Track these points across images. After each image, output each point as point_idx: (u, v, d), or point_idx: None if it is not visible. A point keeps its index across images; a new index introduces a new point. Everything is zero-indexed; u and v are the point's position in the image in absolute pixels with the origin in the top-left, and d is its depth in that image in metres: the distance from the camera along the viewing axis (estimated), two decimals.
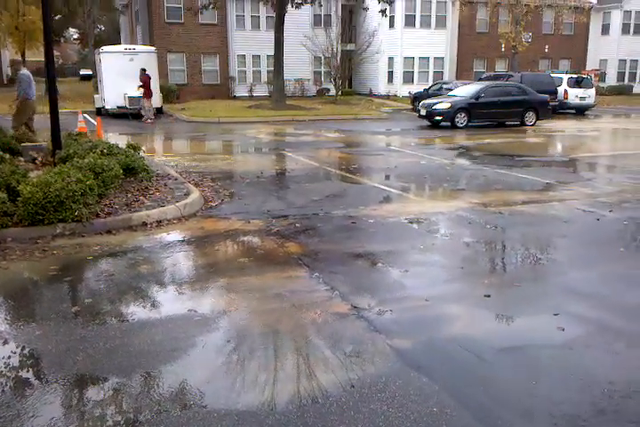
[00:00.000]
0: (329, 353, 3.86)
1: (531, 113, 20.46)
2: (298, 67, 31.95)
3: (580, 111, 26.35)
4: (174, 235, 6.65)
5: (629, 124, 23.57)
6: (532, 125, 20.36)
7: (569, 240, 6.66)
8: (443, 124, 19.64)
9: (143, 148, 9.64)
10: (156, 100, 22.74)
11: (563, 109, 25.72)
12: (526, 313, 4.57)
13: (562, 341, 4.04)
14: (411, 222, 7.21)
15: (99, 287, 5.05)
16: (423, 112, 20.28)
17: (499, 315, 4.52)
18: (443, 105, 19.73)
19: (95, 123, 15.65)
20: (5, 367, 3.67)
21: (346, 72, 31.46)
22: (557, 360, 3.78)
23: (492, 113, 19.95)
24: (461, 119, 19.53)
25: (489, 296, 4.81)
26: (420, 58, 33.80)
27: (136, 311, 4.57)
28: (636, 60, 40.03)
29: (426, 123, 20.42)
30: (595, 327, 4.27)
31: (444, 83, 27.39)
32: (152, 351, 3.85)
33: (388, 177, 10.85)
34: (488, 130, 19.20)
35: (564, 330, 4.18)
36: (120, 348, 3.89)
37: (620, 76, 40.04)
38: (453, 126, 19.38)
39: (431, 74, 34.06)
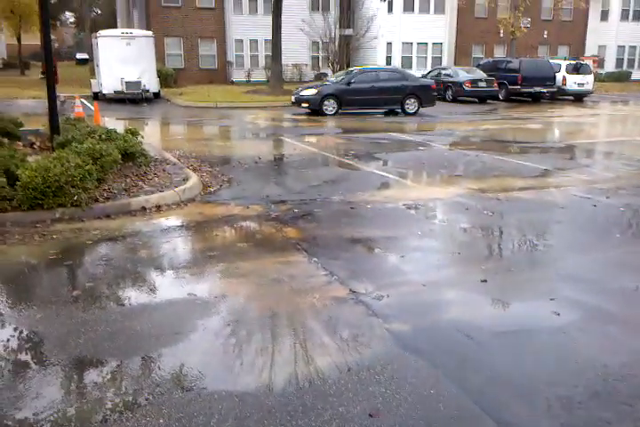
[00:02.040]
0: (327, 337, 3.91)
1: (412, 100, 18.88)
2: (296, 52, 31.72)
3: (579, 97, 26.29)
4: (173, 220, 6.68)
5: (627, 111, 23.55)
6: (414, 113, 18.81)
7: (565, 226, 6.71)
8: (318, 111, 18.20)
9: (141, 133, 9.61)
10: (154, 85, 22.62)
11: (561, 96, 25.68)
12: (522, 298, 4.63)
13: (557, 325, 4.09)
14: (409, 208, 7.23)
15: (98, 271, 5.08)
16: (293, 99, 18.99)
17: (495, 300, 4.57)
18: (309, 91, 18.57)
19: (92, 108, 15.58)
20: (7, 350, 3.72)
21: (344, 57, 31.26)
22: (553, 344, 3.83)
23: (367, 100, 18.48)
24: (330, 106, 18.18)
25: (485, 281, 4.85)
26: (418, 43, 33.61)
27: (136, 295, 4.60)
28: (635, 47, 39.85)
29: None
30: (590, 312, 4.32)
31: (443, 68, 27.25)
32: (152, 334, 3.89)
33: (385, 163, 10.85)
34: (356, 117, 17.91)
35: (559, 315, 4.23)
36: (121, 331, 3.93)
37: (619, 62, 39.88)
38: (322, 114, 18.02)
39: (430, 59, 33.89)
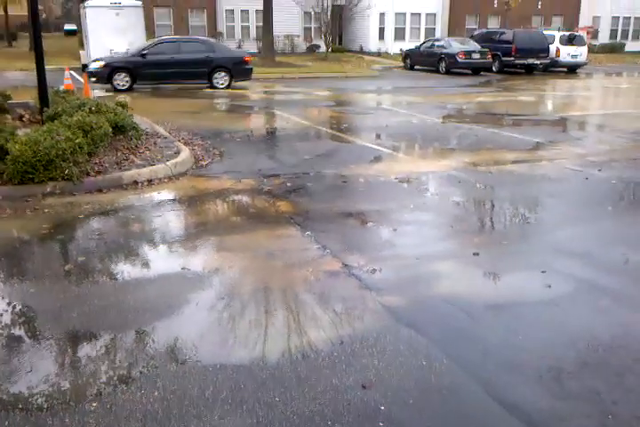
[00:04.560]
0: (320, 310, 3.93)
1: (222, 73, 17.37)
2: (287, 22, 31.26)
3: (572, 69, 26.13)
4: (165, 194, 6.64)
5: (621, 82, 23.45)
6: (225, 88, 17.32)
7: (557, 199, 6.72)
8: (104, 85, 16.65)
9: (131, 106, 9.50)
10: None
11: (554, 67, 25.51)
12: (514, 271, 4.66)
13: (548, 297, 4.12)
14: (401, 182, 7.22)
15: (91, 246, 5.07)
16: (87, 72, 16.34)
17: (487, 273, 4.60)
18: (96, 64, 16.61)
19: (82, 80, 15.34)
20: (1, 325, 3.72)
21: (336, 28, 30.88)
22: (544, 316, 3.87)
23: (166, 73, 16.75)
24: (122, 81, 16.46)
25: (478, 254, 4.88)
26: (411, 14, 33.17)
27: (129, 269, 4.60)
28: (629, 18, 39.52)
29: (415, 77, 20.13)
30: (581, 284, 4.36)
31: (436, 40, 26.96)
32: (146, 309, 3.90)
33: (378, 136, 10.79)
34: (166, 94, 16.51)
35: (550, 287, 4.27)
36: (114, 305, 3.94)
37: (613, 33, 39.60)
38: (115, 89, 16.38)
39: (423, 30, 33.50)
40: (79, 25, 27.90)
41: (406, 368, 3.23)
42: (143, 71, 16.49)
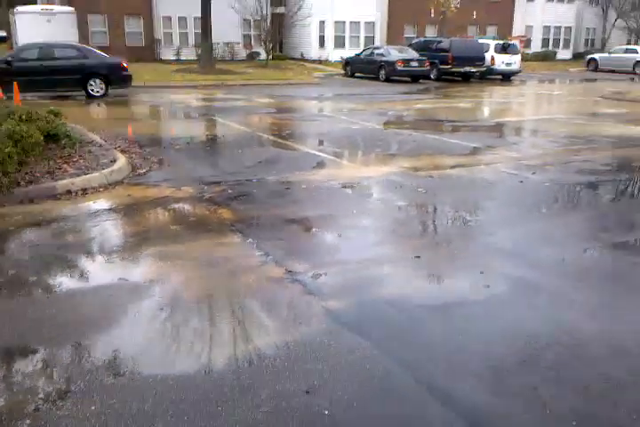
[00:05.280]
0: (264, 317, 3.89)
1: (97, 81, 16.32)
2: (227, 29, 31.00)
3: (507, 77, 26.97)
4: (101, 203, 6.46)
5: (553, 89, 24.35)
6: (102, 96, 16.38)
7: (494, 202, 6.90)
8: None
9: (65, 114, 9.22)
10: None
11: (490, 75, 26.27)
12: (454, 272, 4.74)
13: (486, 297, 4.21)
14: (344, 187, 7.26)
15: (23, 258, 4.87)
16: None
17: (428, 275, 4.67)
18: None
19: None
20: None
21: (277, 36, 30.91)
22: (482, 316, 3.95)
23: (35, 81, 15.28)
24: None
25: (419, 257, 4.94)
26: (351, 22, 33.50)
27: (64, 282, 4.44)
28: (560, 27, 41.17)
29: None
30: (517, 284, 4.47)
31: (376, 48, 27.31)
32: (82, 321, 3.77)
33: (321, 142, 10.84)
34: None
35: (489, 287, 4.36)
36: (48, 319, 3.79)
37: (545, 42, 41.14)
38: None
39: (362, 39, 33.87)
40: (9, 31, 27.01)
41: (349, 372, 3.22)
42: (6, 79, 14.18)
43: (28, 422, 2.78)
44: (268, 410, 2.88)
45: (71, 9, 23.03)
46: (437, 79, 25.18)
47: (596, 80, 28.28)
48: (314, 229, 5.74)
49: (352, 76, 26.88)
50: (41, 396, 3.00)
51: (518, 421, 2.87)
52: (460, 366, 3.32)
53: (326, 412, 2.88)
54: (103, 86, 16.45)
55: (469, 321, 3.86)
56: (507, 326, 3.81)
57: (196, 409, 2.88)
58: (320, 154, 9.41)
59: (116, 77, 16.60)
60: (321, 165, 8.69)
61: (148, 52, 30.97)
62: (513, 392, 3.09)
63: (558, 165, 8.77)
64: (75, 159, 7.77)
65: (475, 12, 37.45)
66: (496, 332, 3.74)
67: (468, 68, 25.11)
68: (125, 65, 16.79)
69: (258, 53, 32.56)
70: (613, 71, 32.49)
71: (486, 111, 17.08)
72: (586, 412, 2.94)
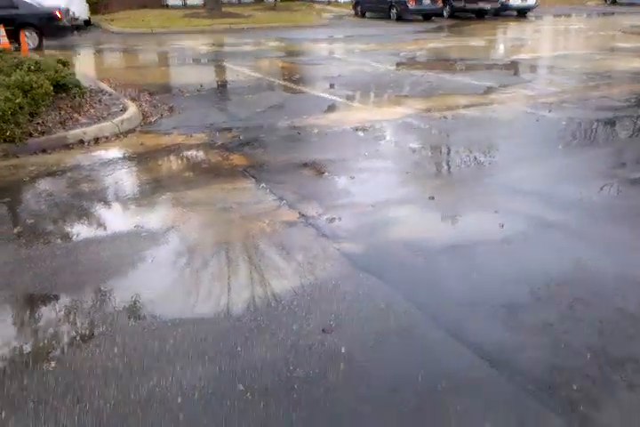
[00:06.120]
0: (279, 260, 3.93)
1: (30, 33, 15.40)
2: None
3: (522, 13, 26.03)
4: (114, 152, 6.45)
5: (569, 24, 23.51)
6: (36, 49, 15.07)
7: (509, 141, 6.78)
8: None
9: (75, 63, 9.09)
10: (83, 12, 21.26)
11: (505, 11, 25.37)
12: (468, 212, 4.71)
13: (501, 236, 4.20)
14: (356, 130, 7.16)
15: (39, 208, 4.92)
16: None
17: (443, 216, 4.65)
18: None
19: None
20: None
21: None
22: (497, 255, 3.95)
23: None
24: None
25: (433, 198, 4.91)
26: None
27: (81, 230, 4.49)
28: None
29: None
30: (533, 222, 4.45)
31: None
32: (100, 268, 3.83)
33: (332, 86, 10.63)
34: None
35: (503, 226, 4.34)
36: (67, 266, 3.85)
37: None
38: None
39: None
40: None
41: (365, 312, 3.27)
42: None
43: (53, 364, 2.86)
44: (285, 348, 2.95)
45: None
46: (450, 17, 24.44)
47: (613, 14, 27.26)
48: (326, 173, 5.71)
49: (362, 16, 26.13)
50: (64, 340, 3.08)
51: (532, 355, 2.91)
52: (475, 304, 3.34)
53: (343, 350, 2.93)
54: (37, 38, 15.59)
55: (484, 261, 3.87)
56: (522, 265, 3.81)
57: (216, 349, 2.95)
58: (331, 97, 9.25)
59: (50, 28, 15.72)
60: (332, 108, 8.56)
61: None
62: (528, 328, 3.12)
63: (575, 102, 8.56)
64: (85, 109, 7.72)
65: None
66: (511, 270, 3.74)
67: (481, 5, 24.26)
68: (58, 14, 15.78)
69: None
70: (632, 4, 31.23)
71: (501, 49, 16.58)
72: (600, 345, 2.97)
